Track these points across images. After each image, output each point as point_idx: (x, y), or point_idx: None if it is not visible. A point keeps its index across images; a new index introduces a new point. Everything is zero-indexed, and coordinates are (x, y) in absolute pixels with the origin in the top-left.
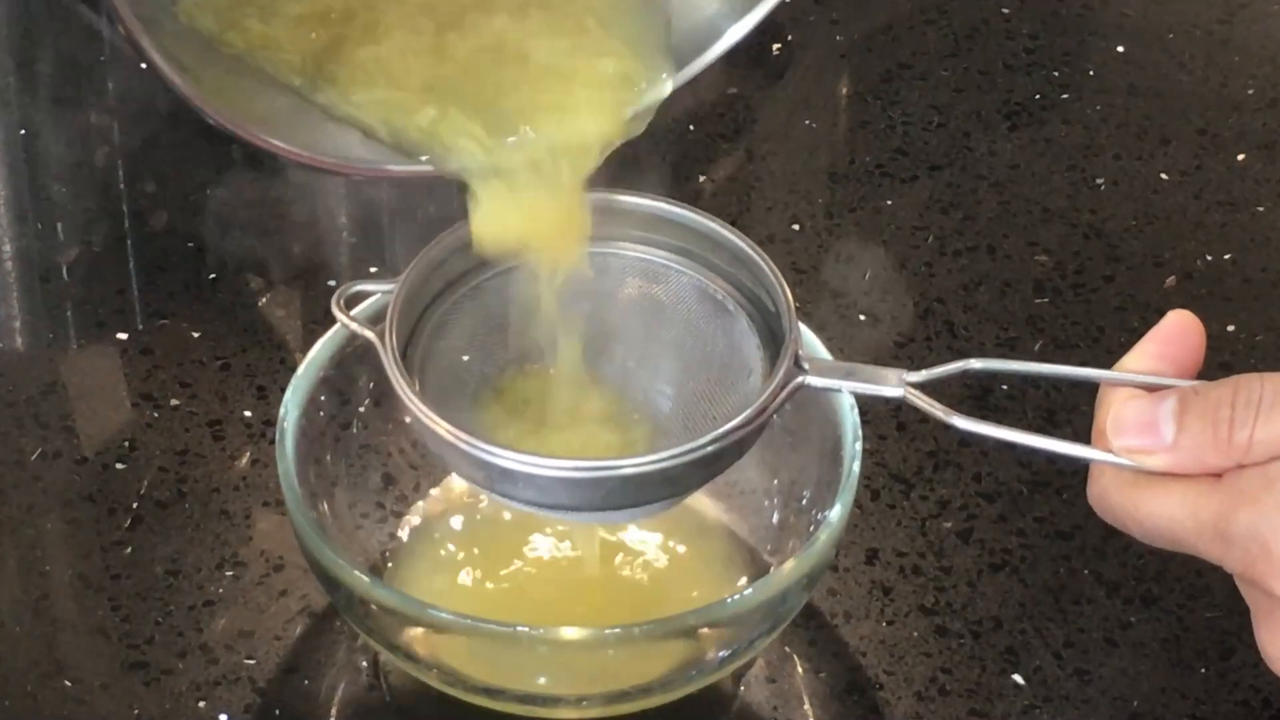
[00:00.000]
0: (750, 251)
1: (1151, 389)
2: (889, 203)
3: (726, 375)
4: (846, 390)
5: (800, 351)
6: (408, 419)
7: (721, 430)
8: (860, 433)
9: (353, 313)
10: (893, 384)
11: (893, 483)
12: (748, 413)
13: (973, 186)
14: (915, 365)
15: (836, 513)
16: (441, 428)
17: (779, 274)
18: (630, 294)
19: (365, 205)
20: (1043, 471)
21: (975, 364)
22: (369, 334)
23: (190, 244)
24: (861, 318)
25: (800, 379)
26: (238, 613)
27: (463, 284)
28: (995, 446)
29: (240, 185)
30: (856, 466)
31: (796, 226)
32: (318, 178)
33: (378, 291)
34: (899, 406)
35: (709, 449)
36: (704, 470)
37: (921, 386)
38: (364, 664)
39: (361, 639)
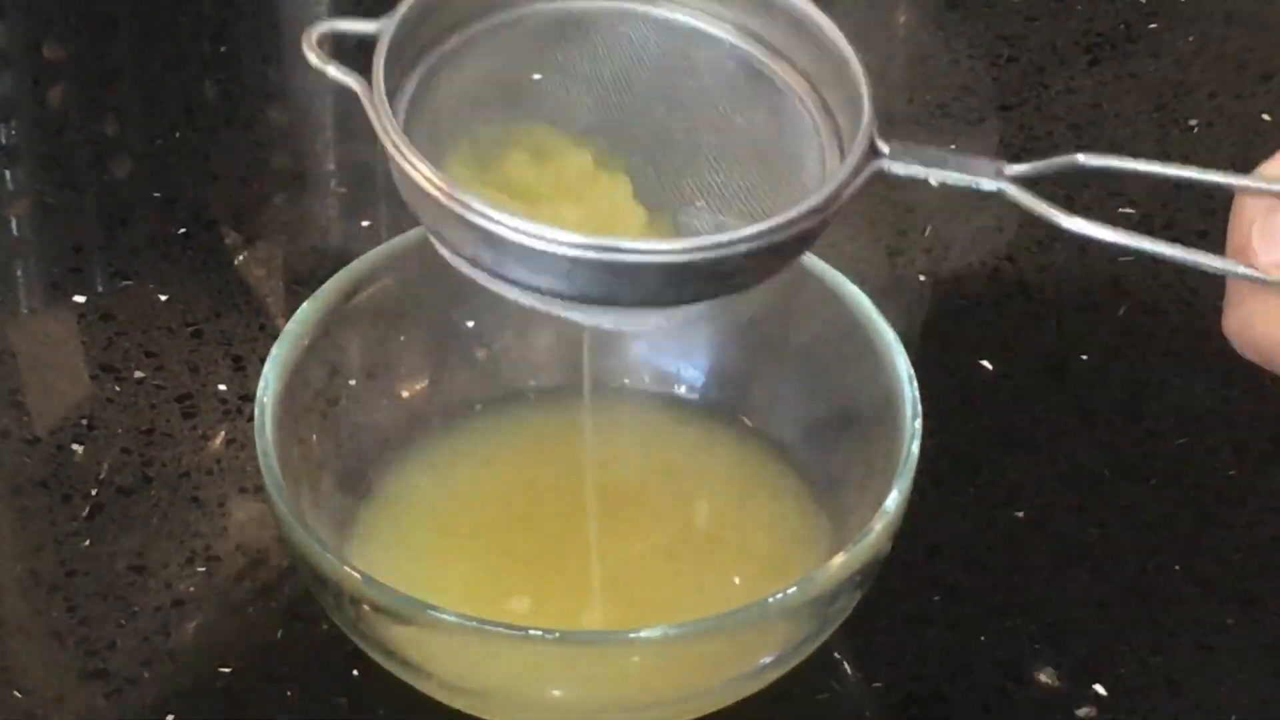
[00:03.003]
0: (814, 15)
1: None
2: (953, 147)
3: (781, 167)
4: (934, 179)
5: (877, 137)
6: (394, 173)
7: (788, 215)
8: (920, 408)
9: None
10: (989, 175)
11: (957, 466)
12: (820, 196)
13: (1048, 129)
14: (983, 332)
15: (893, 500)
16: (448, 189)
17: (847, 42)
18: (670, 64)
19: (355, 151)
20: (1128, 454)
21: (1086, 159)
22: (350, 81)
23: (157, 194)
24: (921, 278)
25: (879, 163)
26: (211, 614)
27: (463, 28)
28: (1072, 427)
29: (213, 127)
30: (915, 448)
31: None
32: (299, 121)
33: (358, 32)
34: (965, 379)
35: (770, 238)
36: (758, 267)
37: (1023, 182)
38: (355, 673)
39: (352, 643)
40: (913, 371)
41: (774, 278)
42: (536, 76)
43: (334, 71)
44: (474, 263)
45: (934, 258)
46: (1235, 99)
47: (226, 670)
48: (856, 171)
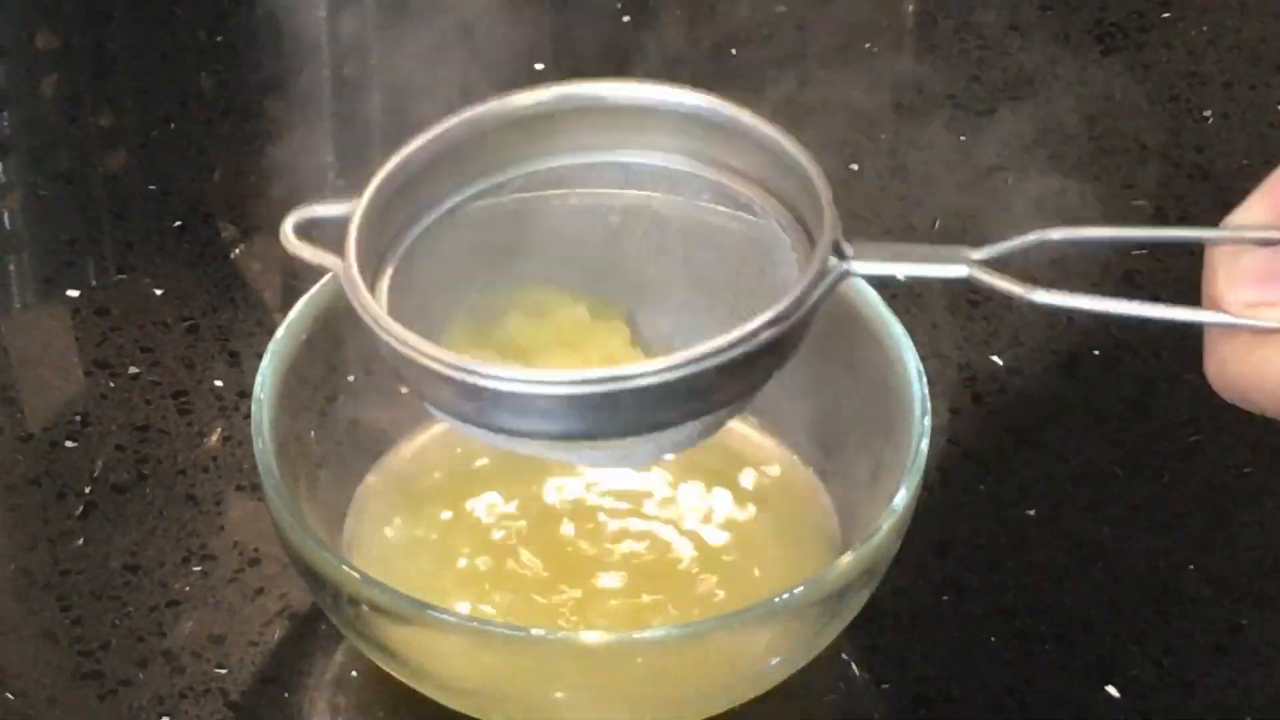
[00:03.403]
0: (771, 134)
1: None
2: (962, 139)
3: (766, 288)
4: (901, 274)
5: (842, 241)
6: (380, 349)
7: (751, 326)
8: (929, 406)
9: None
10: (955, 262)
11: (967, 464)
12: (781, 305)
13: (1059, 120)
14: (994, 328)
15: (901, 498)
16: (419, 349)
17: (807, 155)
18: (647, 205)
19: (354, 142)
20: (1140, 451)
21: (1053, 234)
22: (325, 261)
23: (152, 187)
24: None
25: (844, 265)
26: (207, 614)
27: (438, 203)
28: (1083, 424)
29: (210, 118)
30: (924, 445)
31: (855, 166)
32: (297, 111)
33: (332, 217)
34: (975, 376)
35: (737, 350)
36: (737, 381)
37: (989, 265)
38: (354, 674)
39: (350, 644)
40: (921, 367)
41: (756, 392)
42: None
43: (309, 255)
44: (463, 418)
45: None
46: (1250, 89)
47: (223, 671)
48: (818, 278)
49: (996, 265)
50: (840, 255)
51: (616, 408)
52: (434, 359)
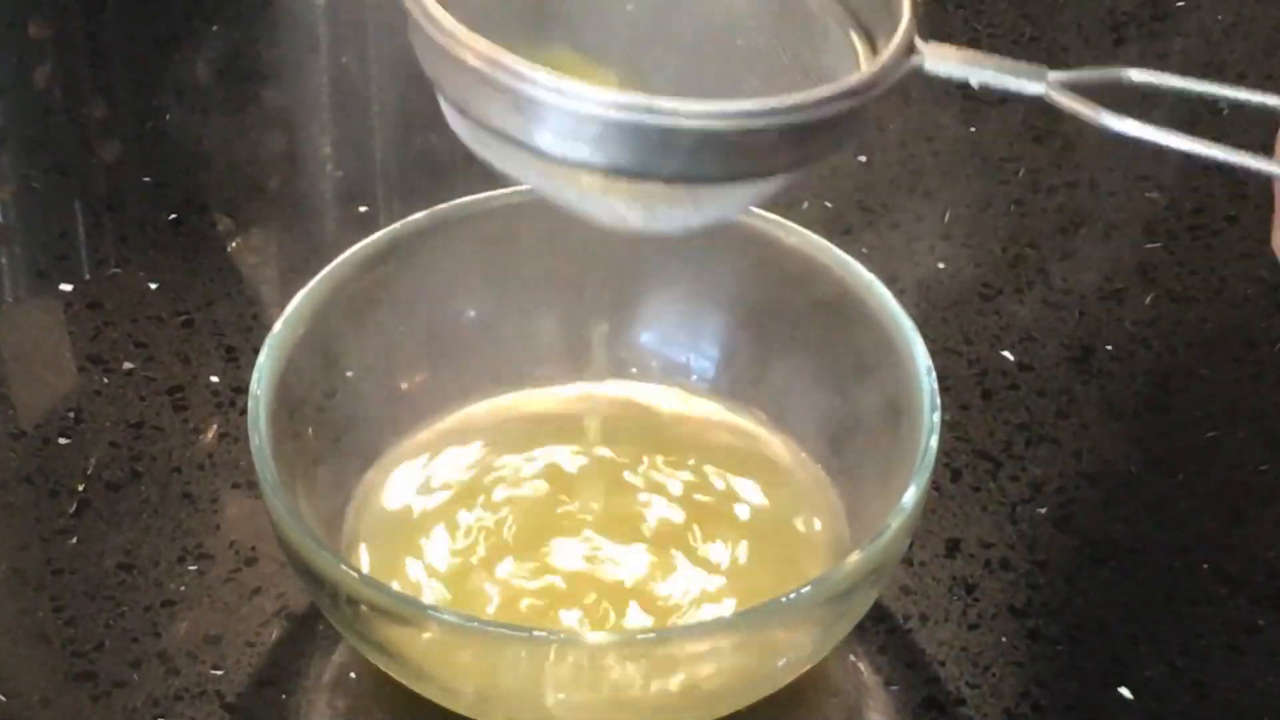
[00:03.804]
0: None
1: None
2: (972, 130)
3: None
4: (974, 81)
5: (917, 39)
6: (419, 46)
7: (826, 93)
8: (939, 401)
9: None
10: (1033, 79)
11: (977, 461)
12: (856, 79)
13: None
14: (1005, 322)
15: (910, 496)
16: (482, 48)
17: None
18: None
19: (352, 133)
20: (1155, 448)
21: (1133, 74)
22: None
23: (147, 178)
24: (940, 265)
25: (917, 59)
26: (202, 614)
27: None
28: (1097, 420)
29: (205, 109)
30: (934, 442)
31: (864, 158)
32: (294, 103)
33: None
34: (985, 371)
35: (804, 113)
36: (789, 150)
37: (1067, 88)
38: (352, 675)
39: (349, 645)
40: (931, 363)
41: (805, 170)
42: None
43: None
44: (500, 134)
45: (953, 244)
46: (1266, 79)
47: (219, 673)
48: (895, 64)
49: (1079, 91)
50: (913, 50)
51: (668, 145)
52: (485, 57)
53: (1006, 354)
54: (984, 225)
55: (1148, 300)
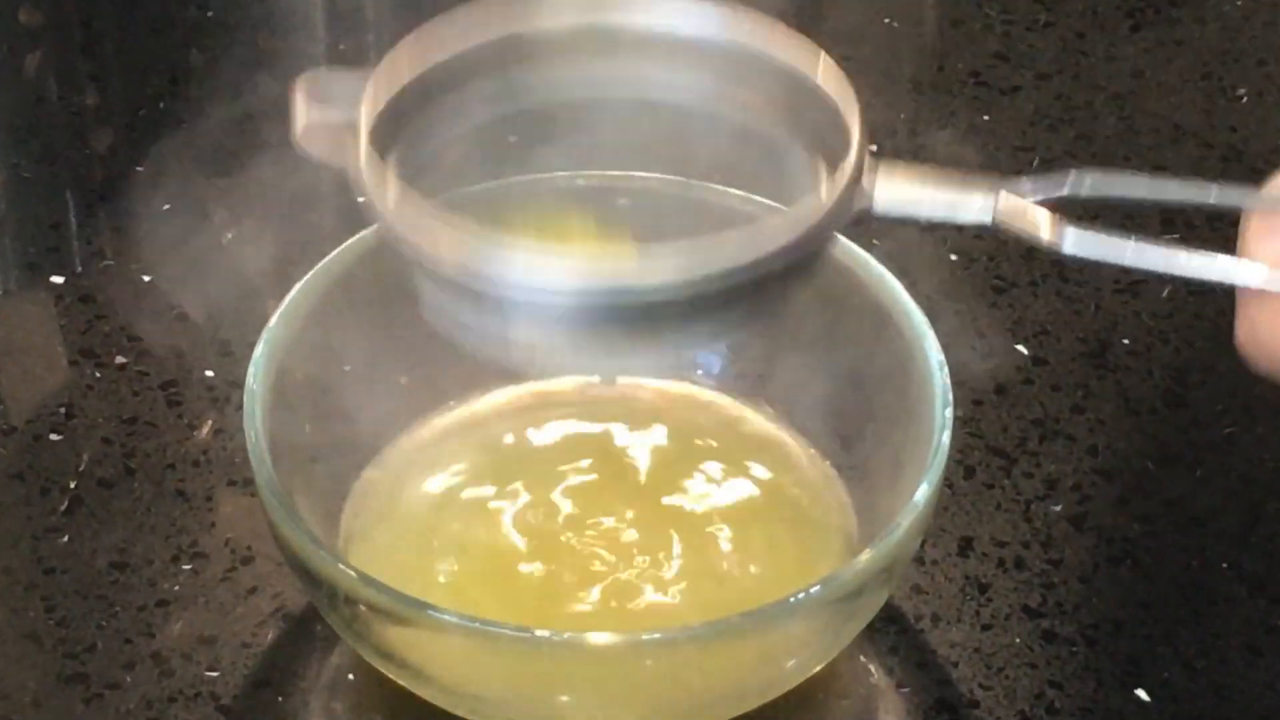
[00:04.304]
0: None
1: None
2: (986, 118)
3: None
4: (922, 217)
5: (866, 169)
6: (375, 222)
7: (758, 255)
8: (951, 397)
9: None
10: (976, 206)
11: (990, 457)
12: (794, 235)
13: (1087, 99)
14: (1018, 315)
15: (922, 493)
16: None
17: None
18: (663, 126)
19: None
20: (1173, 444)
21: (1086, 178)
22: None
23: (140, 168)
24: (953, 257)
25: (864, 203)
26: (197, 615)
27: (450, 86)
28: (1113, 415)
29: (200, 97)
30: (946, 438)
31: (874, 147)
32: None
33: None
34: (999, 365)
35: (747, 267)
36: (742, 306)
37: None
38: (351, 677)
39: (347, 646)
40: (943, 357)
41: (758, 319)
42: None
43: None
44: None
45: (966, 236)
46: None
47: (214, 674)
48: (839, 205)
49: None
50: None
51: (618, 310)
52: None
53: (1020, 348)
54: None
55: (1165, 293)
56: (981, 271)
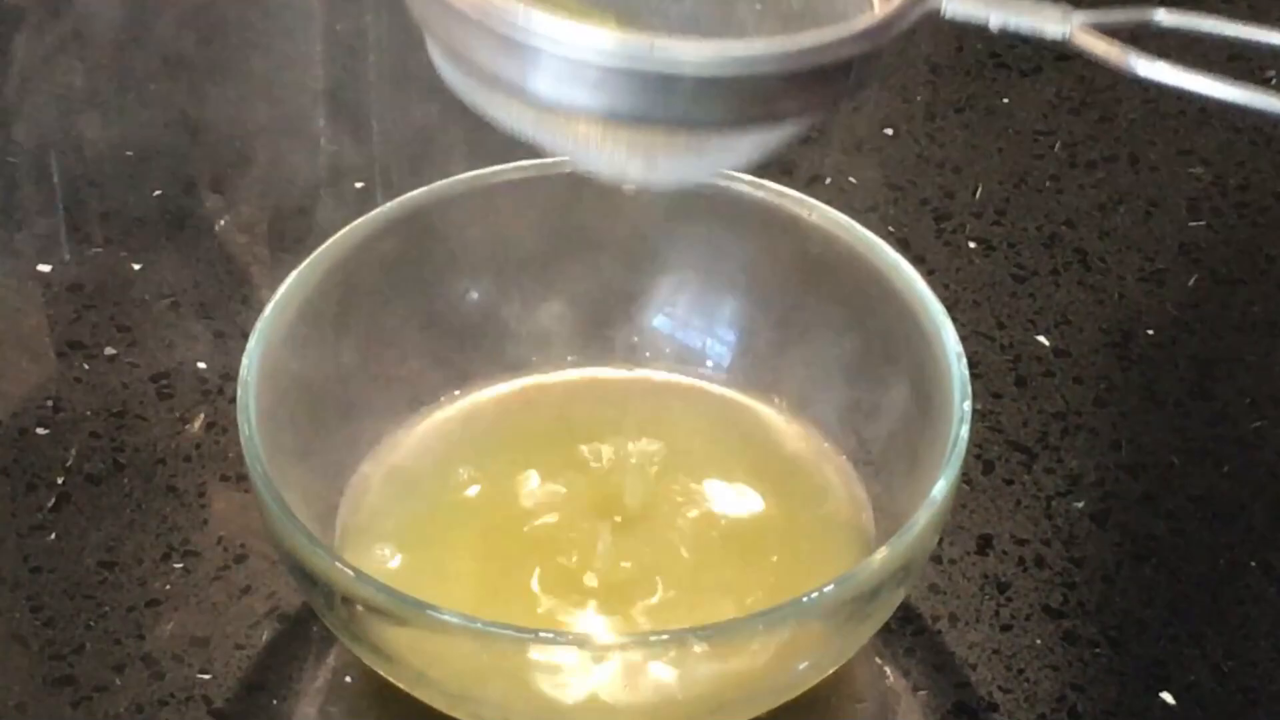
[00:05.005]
0: None
1: None
2: (1005, 101)
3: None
4: (993, 23)
5: None
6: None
7: (833, 36)
8: (969, 389)
9: None
10: (1056, 22)
11: (1010, 452)
12: (868, 20)
13: (1110, 80)
14: (1039, 304)
15: (940, 489)
16: None
17: None
18: None
19: (347, 104)
20: (1199, 438)
21: (1162, 16)
22: None
23: (129, 153)
24: (971, 245)
25: (934, 2)
26: (189, 615)
27: None
28: (1137, 409)
29: (192, 79)
30: (965, 432)
31: (890, 131)
32: (286, 73)
33: None
34: (1019, 357)
35: (811, 58)
36: (799, 94)
37: (1092, 29)
38: (348, 679)
39: (344, 647)
40: (961, 349)
41: (812, 118)
42: None
43: None
44: (492, 80)
45: (985, 222)
46: None
47: (206, 677)
48: (909, 5)
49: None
50: None
51: (669, 90)
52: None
53: (1041, 339)
54: (1018, 202)
55: (1191, 282)
56: (1001, 259)
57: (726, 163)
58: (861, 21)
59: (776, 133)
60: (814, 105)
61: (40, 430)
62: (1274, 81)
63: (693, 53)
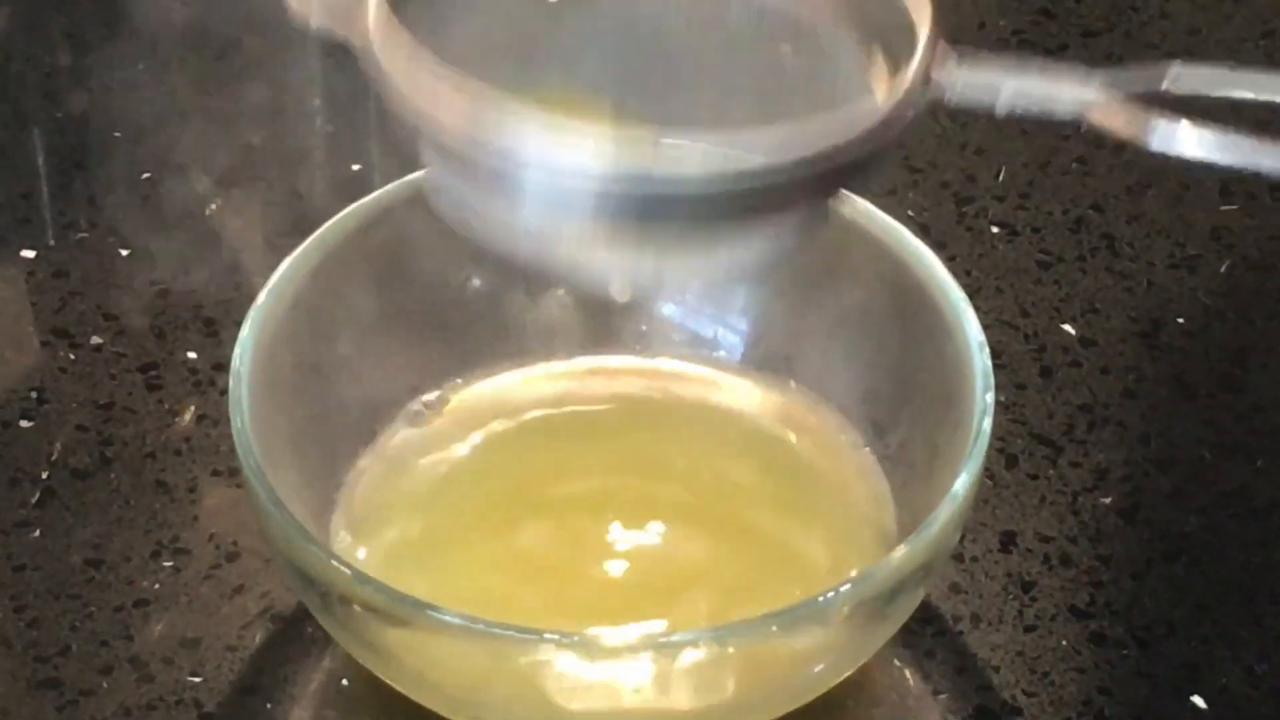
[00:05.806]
0: None
1: None
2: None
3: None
4: (999, 108)
5: (939, 60)
6: (398, 112)
7: (819, 149)
8: (992, 380)
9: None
10: (1068, 100)
11: (1035, 446)
12: (862, 127)
13: (1140, 58)
14: (1065, 292)
15: (961, 484)
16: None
17: None
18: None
19: (343, 84)
20: (1230, 431)
21: (1182, 71)
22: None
23: (117, 134)
24: (994, 230)
25: (939, 90)
26: (179, 615)
27: None
28: (1166, 401)
29: (182, 56)
30: (987, 424)
31: (910, 112)
32: (280, 51)
33: None
34: (1044, 346)
35: (808, 155)
36: (798, 191)
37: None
38: (344, 682)
39: (340, 648)
40: (984, 338)
41: (812, 222)
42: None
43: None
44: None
45: (1009, 206)
46: None
47: (197, 679)
48: (911, 97)
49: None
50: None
51: (668, 203)
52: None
53: (1067, 328)
54: (1042, 185)
55: (1223, 268)
56: (1025, 245)
57: (717, 269)
58: (858, 126)
59: (774, 239)
60: (812, 205)
61: (24, 423)
62: None
63: (693, 174)
